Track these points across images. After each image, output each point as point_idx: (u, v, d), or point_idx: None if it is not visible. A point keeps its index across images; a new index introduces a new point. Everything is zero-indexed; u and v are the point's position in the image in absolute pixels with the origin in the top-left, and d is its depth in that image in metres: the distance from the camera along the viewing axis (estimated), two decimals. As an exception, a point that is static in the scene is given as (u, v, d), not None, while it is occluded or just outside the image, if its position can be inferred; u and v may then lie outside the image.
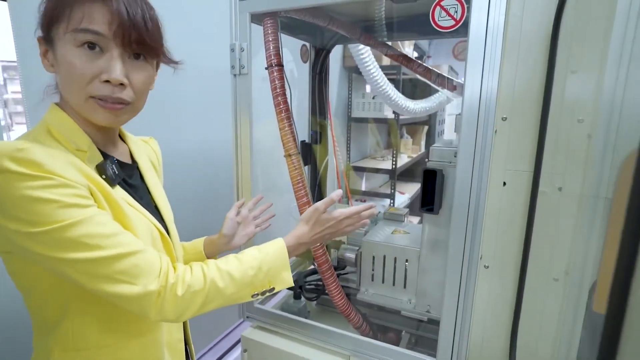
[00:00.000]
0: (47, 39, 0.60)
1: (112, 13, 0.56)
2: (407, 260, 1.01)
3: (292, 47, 1.31)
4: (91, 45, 0.57)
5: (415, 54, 2.94)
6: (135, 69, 0.61)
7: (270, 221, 1.02)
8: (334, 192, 0.80)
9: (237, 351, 1.73)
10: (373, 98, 2.58)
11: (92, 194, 0.58)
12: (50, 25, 0.58)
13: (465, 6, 0.76)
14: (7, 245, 0.57)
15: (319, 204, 0.79)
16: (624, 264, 0.39)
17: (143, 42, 0.60)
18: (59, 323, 0.62)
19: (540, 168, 0.75)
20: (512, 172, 0.79)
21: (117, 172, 0.65)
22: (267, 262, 0.70)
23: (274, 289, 0.71)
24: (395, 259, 1.02)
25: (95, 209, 0.57)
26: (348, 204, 2.33)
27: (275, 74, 0.97)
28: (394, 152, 2.60)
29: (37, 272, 0.59)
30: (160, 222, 0.71)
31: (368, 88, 2.75)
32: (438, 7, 0.76)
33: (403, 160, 2.82)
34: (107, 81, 0.58)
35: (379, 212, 1.37)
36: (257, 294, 0.69)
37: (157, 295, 0.58)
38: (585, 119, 0.72)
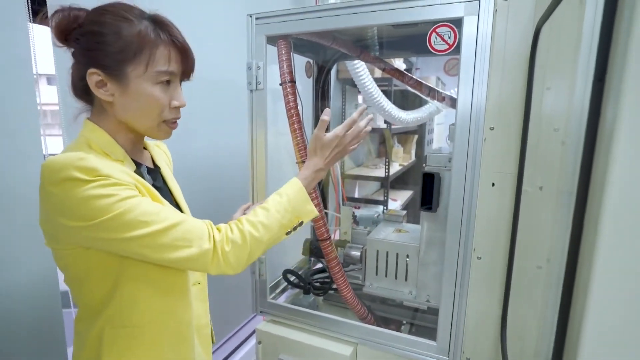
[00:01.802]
0: (112, 74, 0.67)
1: (183, 55, 0.71)
2: (407, 256, 1.12)
3: (296, 64, 1.42)
4: (167, 81, 0.71)
5: (404, 66, 3.08)
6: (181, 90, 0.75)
7: None
8: (323, 113, 0.87)
9: (251, 343, 1.82)
10: (366, 109, 2.69)
11: (138, 190, 0.68)
12: (124, 63, 0.66)
13: (457, 31, 0.88)
14: (73, 241, 0.66)
15: (316, 131, 0.86)
16: (573, 245, 0.51)
17: (192, 72, 0.75)
18: (107, 305, 0.71)
19: (523, 170, 0.87)
20: (500, 174, 0.91)
21: (148, 178, 0.76)
22: (290, 201, 0.81)
23: (302, 222, 0.82)
24: (397, 254, 1.13)
25: (141, 197, 0.67)
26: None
27: (288, 89, 1.08)
28: (387, 160, 2.72)
29: (93, 263, 0.68)
30: None
31: (360, 99, 2.87)
32: (434, 34, 0.88)
33: (395, 168, 2.93)
34: (177, 106, 0.72)
35: (379, 214, 1.48)
36: (290, 231, 0.81)
37: (212, 252, 0.69)
38: (560, 128, 0.85)
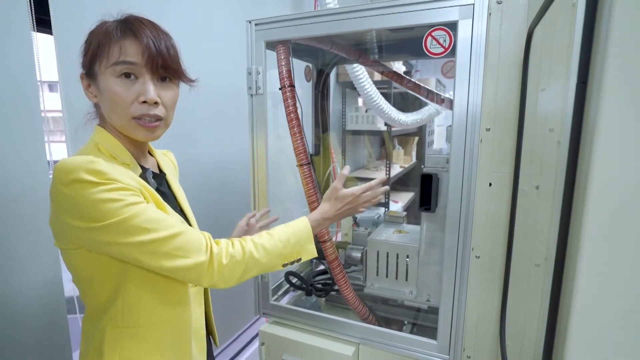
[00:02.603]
0: (90, 75, 0.72)
1: (142, 46, 0.69)
2: (407, 256, 1.13)
3: (296, 68, 1.44)
4: (127, 74, 0.69)
5: (404, 68, 3.09)
6: (164, 89, 0.74)
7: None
8: (344, 168, 0.92)
9: (255, 345, 1.83)
10: (366, 111, 2.71)
11: (143, 196, 0.70)
12: (92, 63, 0.70)
13: (452, 35, 0.90)
14: (78, 242, 0.69)
15: (336, 182, 0.91)
16: (560, 242, 0.52)
17: (168, 66, 0.72)
18: (111, 305, 0.73)
19: (519, 170, 0.89)
20: (496, 175, 0.92)
21: (153, 182, 0.78)
22: (295, 236, 0.83)
23: (300, 259, 0.84)
24: (397, 255, 1.15)
25: (147, 204, 0.69)
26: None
27: (288, 93, 1.09)
28: (387, 162, 2.73)
29: (98, 264, 0.70)
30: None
31: (360, 101, 2.89)
32: (430, 37, 0.90)
33: (395, 170, 2.95)
34: (144, 102, 0.70)
35: (379, 215, 1.50)
36: (287, 264, 0.82)
37: (207, 265, 0.70)
38: (555, 128, 0.86)
